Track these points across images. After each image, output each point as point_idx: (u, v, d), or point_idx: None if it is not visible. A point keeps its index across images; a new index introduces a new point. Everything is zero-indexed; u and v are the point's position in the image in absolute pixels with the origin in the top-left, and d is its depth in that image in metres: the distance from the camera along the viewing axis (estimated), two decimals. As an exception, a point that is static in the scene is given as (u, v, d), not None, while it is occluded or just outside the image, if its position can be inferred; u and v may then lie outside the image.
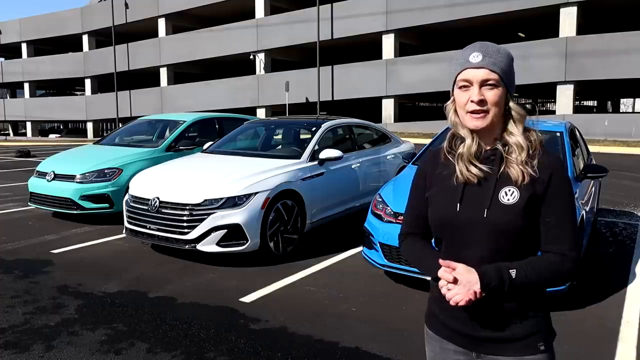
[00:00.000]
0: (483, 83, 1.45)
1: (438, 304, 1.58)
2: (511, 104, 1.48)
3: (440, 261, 1.47)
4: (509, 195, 1.46)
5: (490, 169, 1.49)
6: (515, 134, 1.47)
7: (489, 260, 1.46)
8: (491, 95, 1.45)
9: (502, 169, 1.48)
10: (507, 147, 1.48)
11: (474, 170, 1.49)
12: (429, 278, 1.63)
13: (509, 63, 1.48)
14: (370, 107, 31.22)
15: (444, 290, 1.44)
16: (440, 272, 1.45)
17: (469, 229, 1.49)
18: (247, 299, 4.38)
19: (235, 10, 33.85)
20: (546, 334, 1.52)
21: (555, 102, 25.85)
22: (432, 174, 1.61)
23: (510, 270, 1.43)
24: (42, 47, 45.24)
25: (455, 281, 1.41)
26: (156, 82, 38.19)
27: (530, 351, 1.49)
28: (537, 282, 1.45)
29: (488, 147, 1.51)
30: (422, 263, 1.59)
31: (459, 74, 1.48)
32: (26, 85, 44.91)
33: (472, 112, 1.45)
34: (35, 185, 7.57)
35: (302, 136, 7.09)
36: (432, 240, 1.66)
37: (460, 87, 1.48)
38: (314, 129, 6.60)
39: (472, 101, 1.45)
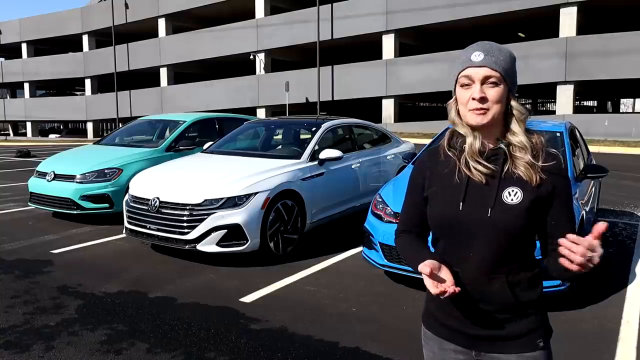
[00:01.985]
0: (484, 81, 1.45)
1: (434, 302, 1.57)
2: (513, 102, 1.49)
3: (428, 263, 1.42)
4: (512, 196, 1.46)
5: (495, 168, 1.49)
6: (518, 134, 1.48)
7: (489, 259, 1.47)
8: (492, 93, 1.45)
9: (505, 168, 1.48)
10: (511, 147, 1.48)
11: (480, 168, 1.49)
12: None
13: (510, 62, 1.49)
14: (370, 107, 31.23)
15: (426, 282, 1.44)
16: (425, 276, 1.44)
17: (472, 228, 1.49)
18: (247, 299, 4.38)
19: (235, 10, 33.85)
20: (544, 331, 1.53)
21: (555, 102, 25.85)
22: (431, 172, 1.60)
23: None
24: (42, 47, 45.25)
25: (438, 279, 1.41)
26: (156, 82, 38.19)
27: (529, 348, 1.49)
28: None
29: (491, 147, 1.51)
30: (413, 259, 1.55)
31: (460, 72, 1.49)
32: (26, 85, 44.92)
33: (474, 109, 1.45)
34: (35, 185, 7.57)
35: (302, 136, 7.09)
36: (429, 238, 1.66)
37: (462, 85, 1.48)
38: (314, 129, 6.60)
39: (473, 98, 1.45)
